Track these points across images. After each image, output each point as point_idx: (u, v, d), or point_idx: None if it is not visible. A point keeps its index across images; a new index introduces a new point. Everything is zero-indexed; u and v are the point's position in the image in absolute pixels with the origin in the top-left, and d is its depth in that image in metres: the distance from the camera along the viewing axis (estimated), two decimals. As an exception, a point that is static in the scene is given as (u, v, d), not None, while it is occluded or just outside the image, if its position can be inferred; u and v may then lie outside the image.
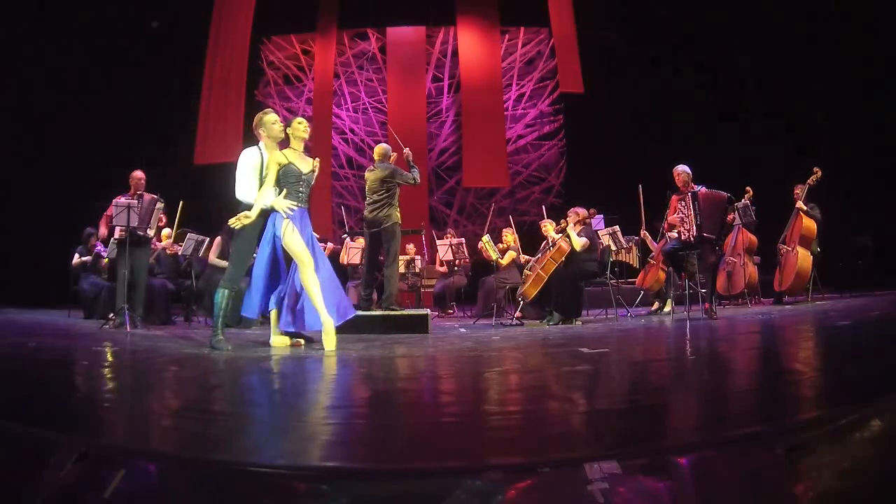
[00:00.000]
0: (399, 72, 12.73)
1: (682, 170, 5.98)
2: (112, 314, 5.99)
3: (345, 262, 8.49)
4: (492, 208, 8.83)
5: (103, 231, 6.58)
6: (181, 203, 7.07)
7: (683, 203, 5.78)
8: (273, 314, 4.33)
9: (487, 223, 8.06)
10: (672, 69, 10.64)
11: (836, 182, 7.62)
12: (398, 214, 5.81)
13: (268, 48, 12.82)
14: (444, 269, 8.90)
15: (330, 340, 3.97)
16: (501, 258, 7.38)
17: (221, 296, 4.12)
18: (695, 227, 5.59)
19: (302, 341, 4.35)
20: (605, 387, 2.60)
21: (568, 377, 2.73)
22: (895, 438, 1.58)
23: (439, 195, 12.82)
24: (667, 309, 6.95)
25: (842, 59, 9.05)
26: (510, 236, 7.92)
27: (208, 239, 6.83)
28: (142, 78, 10.27)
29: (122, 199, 5.88)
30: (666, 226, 6.62)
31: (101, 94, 10.24)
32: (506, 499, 1.31)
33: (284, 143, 4.31)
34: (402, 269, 7.79)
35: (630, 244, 7.51)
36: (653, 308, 7.40)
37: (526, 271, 6.57)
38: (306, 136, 4.31)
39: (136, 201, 5.92)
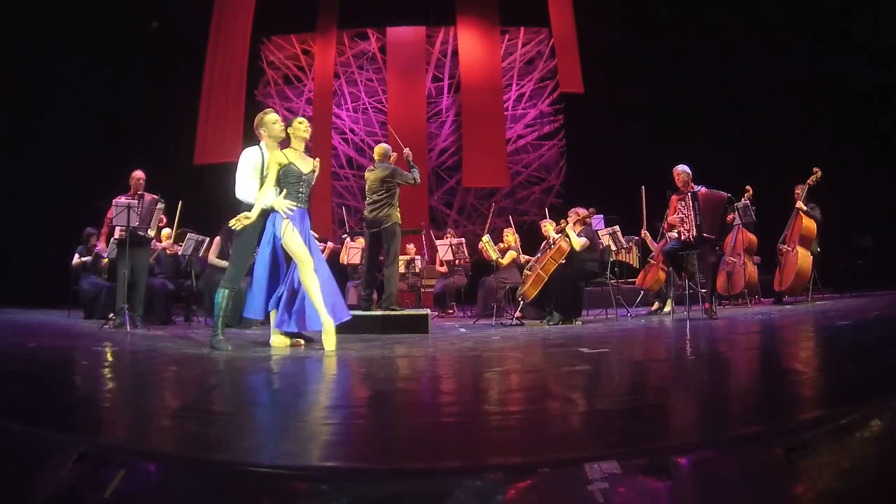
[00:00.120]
0: (399, 72, 12.72)
1: (681, 170, 5.98)
2: (112, 314, 5.99)
3: (345, 262, 8.50)
4: (492, 208, 8.82)
5: (102, 245, 6.61)
6: (181, 203, 7.07)
7: (683, 203, 5.78)
8: (273, 314, 4.33)
9: (487, 223, 8.05)
10: (672, 69, 10.64)
11: (836, 182, 7.63)
12: (398, 214, 5.80)
13: (268, 48, 12.81)
14: (444, 269, 8.90)
15: (330, 340, 3.97)
16: (501, 258, 7.38)
17: (221, 296, 4.12)
18: (695, 228, 5.59)
19: (302, 341, 4.35)
20: (605, 387, 2.60)
21: (568, 377, 2.72)
22: (895, 438, 1.58)
23: (439, 195, 12.81)
24: (667, 309, 6.96)
25: (842, 58, 9.05)
26: (510, 236, 7.93)
27: (208, 239, 6.83)
28: (142, 78, 10.27)
29: (122, 199, 5.88)
30: (666, 226, 6.62)
31: (101, 94, 10.25)
32: (506, 499, 1.31)
33: (285, 143, 4.31)
34: (402, 269, 7.79)
35: (630, 244, 7.50)
36: (653, 308, 7.41)
37: (526, 271, 6.57)
38: (307, 135, 4.31)
39: (137, 201, 5.92)
